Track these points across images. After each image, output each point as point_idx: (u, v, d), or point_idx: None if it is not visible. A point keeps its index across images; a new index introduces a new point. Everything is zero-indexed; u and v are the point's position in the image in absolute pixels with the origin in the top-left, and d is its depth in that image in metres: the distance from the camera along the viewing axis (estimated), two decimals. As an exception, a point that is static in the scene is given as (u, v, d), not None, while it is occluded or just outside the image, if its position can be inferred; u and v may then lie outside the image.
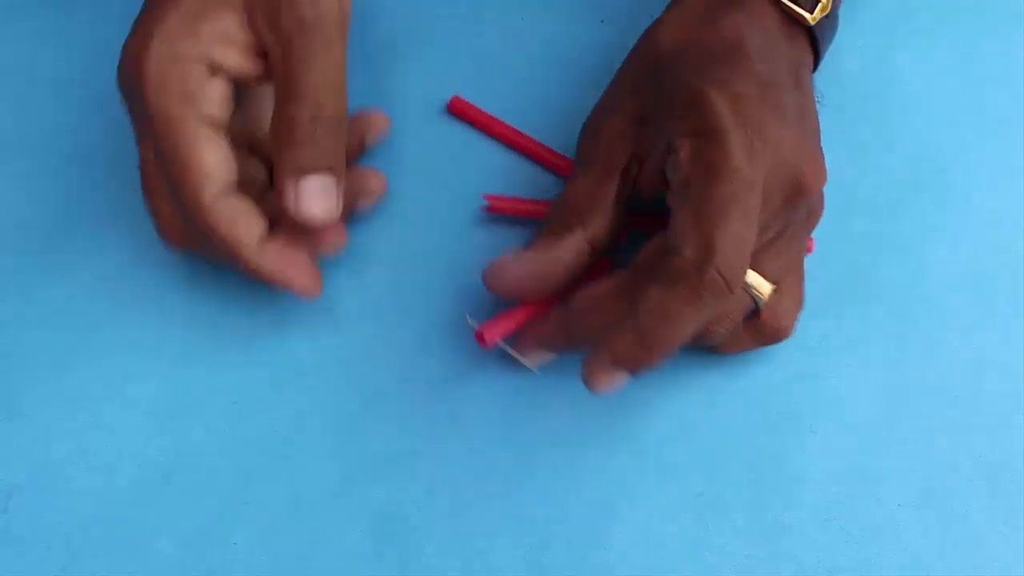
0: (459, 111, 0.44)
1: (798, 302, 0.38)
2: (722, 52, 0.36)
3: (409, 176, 0.43)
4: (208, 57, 0.35)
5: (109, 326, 0.40)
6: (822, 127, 0.40)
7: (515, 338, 0.38)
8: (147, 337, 0.40)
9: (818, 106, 0.38)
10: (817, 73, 0.42)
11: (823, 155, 0.37)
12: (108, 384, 0.39)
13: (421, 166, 0.43)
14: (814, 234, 0.42)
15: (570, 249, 0.36)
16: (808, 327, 0.41)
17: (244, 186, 0.37)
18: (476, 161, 0.43)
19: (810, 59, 0.39)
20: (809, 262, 0.42)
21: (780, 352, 0.41)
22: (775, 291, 0.37)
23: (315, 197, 0.35)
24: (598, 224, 0.37)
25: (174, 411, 0.39)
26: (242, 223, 0.36)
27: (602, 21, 0.46)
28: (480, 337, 0.37)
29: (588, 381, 0.34)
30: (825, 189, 0.42)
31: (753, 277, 0.36)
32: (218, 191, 0.35)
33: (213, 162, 0.35)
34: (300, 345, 0.40)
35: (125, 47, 0.35)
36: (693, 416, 0.40)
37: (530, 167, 0.43)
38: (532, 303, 0.38)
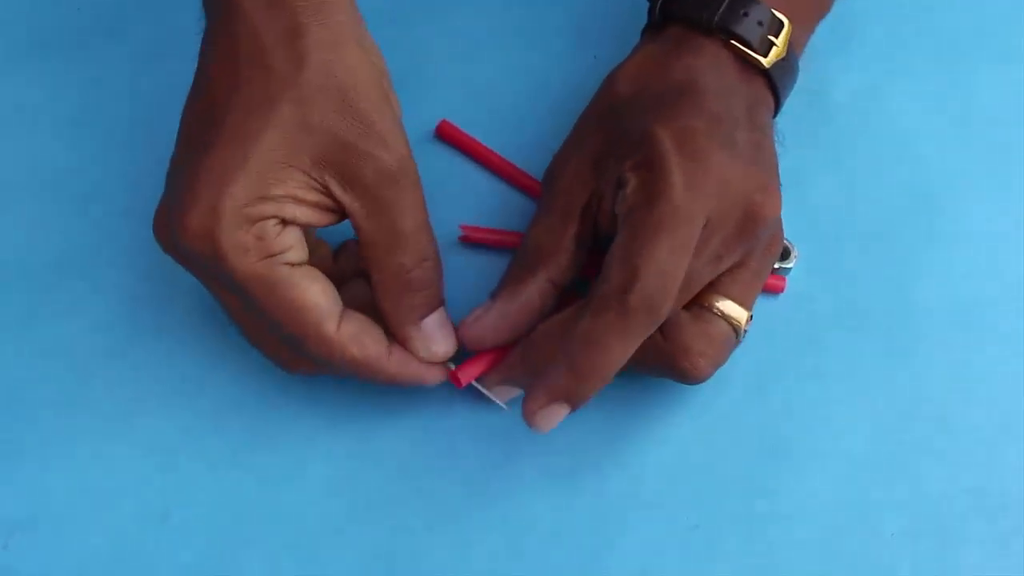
0: (447, 136, 0.44)
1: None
2: (675, 91, 0.37)
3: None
4: (279, 217, 0.34)
5: (109, 365, 0.41)
6: (813, 157, 0.40)
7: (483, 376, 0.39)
8: (146, 376, 0.41)
9: (779, 147, 0.39)
10: (807, 105, 0.42)
11: (779, 186, 0.37)
12: (108, 422, 0.40)
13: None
14: (803, 267, 0.42)
15: (534, 292, 0.37)
16: (799, 357, 0.42)
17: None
18: (462, 186, 0.44)
19: (769, 100, 0.39)
20: (800, 292, 0.42)
21: (772, 383, 0.41)
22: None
23: (437, 334, 0.37)
24: (560, 264, 0.37)
25: (173, 449, 0.40)
26: (368, 341, 0.36)
27: (595, 57, 0.46)
28: (455, 378, 0.38)
29: (527, 417, 0.35)
30: (814, 223, 0.43)
31: (729, 306, 0.37)
32: (336, 321, 0.35)
33: (319, 298, 0.35)
34: (296, 383, 0.40)
35: (182, 213, 0.33)
36: (686, 448, 0.40)
37: (514, 194, 0.44)
38: (504, 348, 0.38)
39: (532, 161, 0.44)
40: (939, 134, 0.46)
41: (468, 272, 0.42)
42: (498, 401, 0.39)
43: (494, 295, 0.38)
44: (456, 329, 0.38)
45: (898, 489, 0.40)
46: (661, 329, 0.36)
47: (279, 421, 0.40)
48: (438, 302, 0.37)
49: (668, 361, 0.36)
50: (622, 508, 0.39)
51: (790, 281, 0.43)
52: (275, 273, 0.34)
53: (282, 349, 0.37)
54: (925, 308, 0.43)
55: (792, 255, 0.43)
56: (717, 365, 0.37)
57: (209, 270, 0.35)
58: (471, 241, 0.42)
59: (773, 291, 0.42)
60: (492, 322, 0.37)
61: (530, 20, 0.47)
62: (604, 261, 0.35)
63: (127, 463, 0.39)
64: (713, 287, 0.37)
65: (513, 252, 0.39)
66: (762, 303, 0.42)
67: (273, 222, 0.34)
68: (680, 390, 0.41)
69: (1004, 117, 0.46)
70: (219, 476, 0.39)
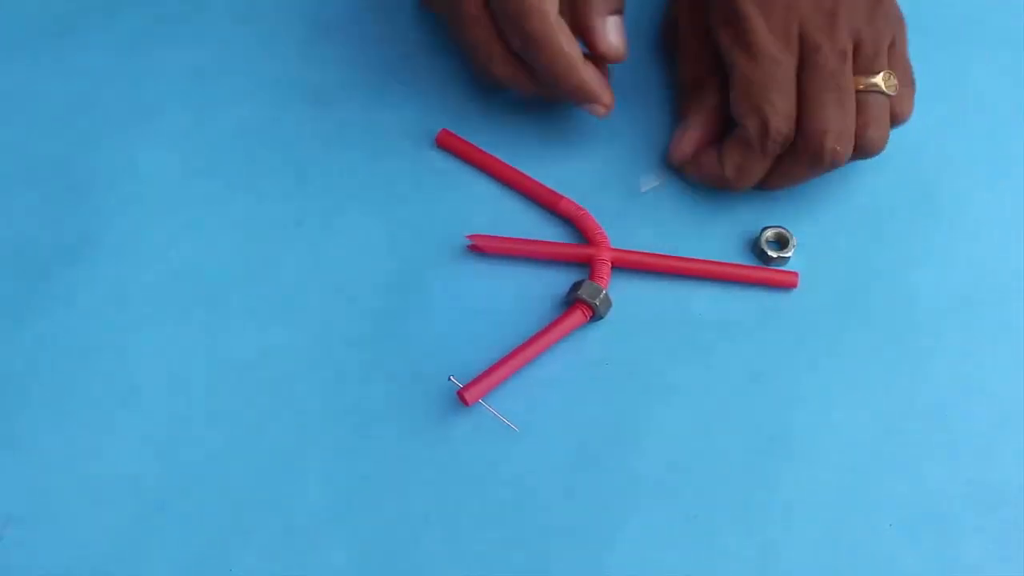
0: (448, 145, 0.44)
1: (842, 123, 0.41)
2: None
3: (398, 208, 0.43)
4: None
5: (104, 355, 0.40)
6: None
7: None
8: (143, 366, 0.40)
9: None
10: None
11: None
12: (104, 413, 0.40)
13: (409, 198, 0.44)
14: (803, 258, 0.42)
15: (711, 97, 0.43)
16: (799, 349, 0.42)
17: None
18: (465, 194, 0.44)
19: None
20: (800, 283, 0.42)
21: (771, 374, 0.41)
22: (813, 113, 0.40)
23: (616, 29, 0.42)
24: (712, 74, 0.43)
25: (170, 439, 0.39)
26: (574, 43, 0.40)
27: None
28: (462, 397, 0.39)
29: (687, 169, 0.44)
30: (813, 215, 0.43)
31: (880, 79, 0.41)
32: (557, 10, 0.39)
33: None
34: (291, 372, 0.40)
35: None
36: (686, 440, 0.40)
37: (517, 199, 0.44)
38: (508, 362, 0.39)
39: (532, 158, 0.44)
40: (938, 123, 0.46)
41: (478, 281, 0.42)
42: (506, 421, 0.39)
43: (682, 116, 0.44)
44: (669, 149, 0.44)
45: (898, 481, 0.40)
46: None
47: (275, 411, 0.40)
48: (622, 8, 0.42)
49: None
50: (621, 499, 0.39)
51: (789, 273, 0.43)
52: None
53: (494, 44, 0.41)
54: (925, 300, 0.43)
55: (791, 244, 0.43)
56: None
57: None
58: (480, 250, 0.42)
59: (787, 286, 0.42)
60: (694, 133, 0.43)
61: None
62: (732, 106, 0.41)
63: (123, 455, 0.39)
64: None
65: (522, 260, 0.43)
66: (762, 295, 0.43)
67: None
68: (679, 378, 0.41)
69: (1003, 108, 0.46)
70: (216, 467, 0.39)
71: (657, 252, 0.42)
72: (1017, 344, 0.42)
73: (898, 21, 0.43)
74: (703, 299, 0.42)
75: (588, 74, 0.41)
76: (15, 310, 0.41)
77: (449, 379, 0.40)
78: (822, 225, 0.44)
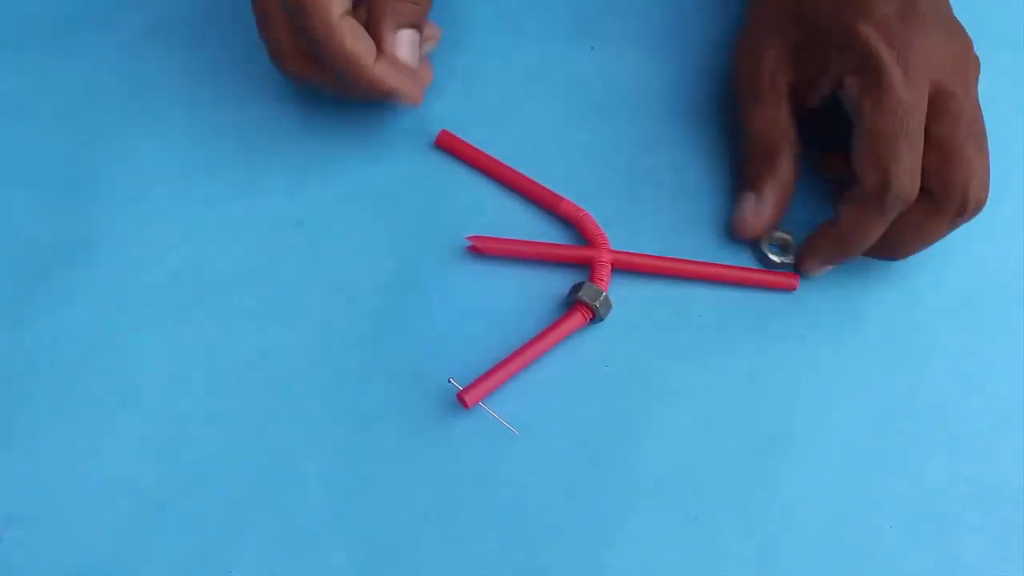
0: (447, 146, 0.44)
1: (985, 170, 0.40)
2: None
3: (398, 208, 0.43)
4: None
5: (105, 355, 0.40)
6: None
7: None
8: (141, 365, 0.40)
9: None
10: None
11: (970, 41, 0.41)
12: (104, 413, 0.40)
13: (409, 198, 0.44)
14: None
15: (788, 170, 0.42)
16: (798, 350, 0.42)
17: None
18: (464, 195, 0.44)
19: None
20: (800, 284, 0.42)
21: (771, 374, 0.41)
22: (956, 164, 0.39)
23: (407, 44, 0.41)
24: (791, 139, 0.42)
25: (169, 439, 0.39)
26: (361, 41, 0.40)
27: (592, 48, 0.46)
28: (462, 400, 0.39)
29: (804, 269, 0.43)
30: (813, 217, 0.43)
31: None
32: (342, 11, 0.39)
33: None
34: (291, 372, 0.40)
35: None
36: (686, 441, 0.40)
37: (517, 201, 0.44)
38: (508, 364, 0.40)
39: (531, 155, 0.44)
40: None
41: (478, 282, 0.42)
42: (506, 424, 0.39)
43: (755, 187, 0.42)
44: (736, 223, 0.43)
45: (897, 481, 0.40)
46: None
47: (275, 411, 0.40)
48: (418, 25, 0.42)
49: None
50: (621, 499, 0.39)
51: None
52: None
53: (290, 40, 0.40)
54: (925, 299, 0.43)
55: (792, 249, 0.43)
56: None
57: None
58: (480, 251, 0.42)
59: (787, 289, 0.43)
60: (768, 209, 0.42)
61: (525, 11, 0.47)
62: (853, 159, 0.39)
63: (123, 454, 0.39)
64: None
65: (522, 261, 0.42)
66: (761, 296, 0.43)
67: None
68: (679, 378, 0.41)
69: (1001, 109, 0.46)
70: (215, 467, 0.39)
71: (657, 254, 0.43)
72: (1017, 344, 0.42)
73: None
74: (703, 300, 0.43)
75: (380, 71, 0.40)
76: (15, 310, 0.41)
77: (449, 381, 0.40)
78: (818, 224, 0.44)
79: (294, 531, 0.38)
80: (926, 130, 0.39)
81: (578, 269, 0.42)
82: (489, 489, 0.39)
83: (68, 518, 0.38)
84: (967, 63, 0.40)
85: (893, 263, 0.43)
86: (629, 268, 0.42)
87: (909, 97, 0.38)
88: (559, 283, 0.42)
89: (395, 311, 0.41)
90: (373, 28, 0.41)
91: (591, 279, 0.41)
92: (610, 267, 0.42)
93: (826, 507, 0.40)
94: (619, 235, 0.43)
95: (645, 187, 0.44)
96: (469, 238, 0.42)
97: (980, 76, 0.41)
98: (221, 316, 0.41)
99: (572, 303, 0.41)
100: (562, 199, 0.43)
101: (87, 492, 0.39)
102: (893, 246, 0.41)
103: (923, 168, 0.39)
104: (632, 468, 0.40)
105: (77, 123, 0.44)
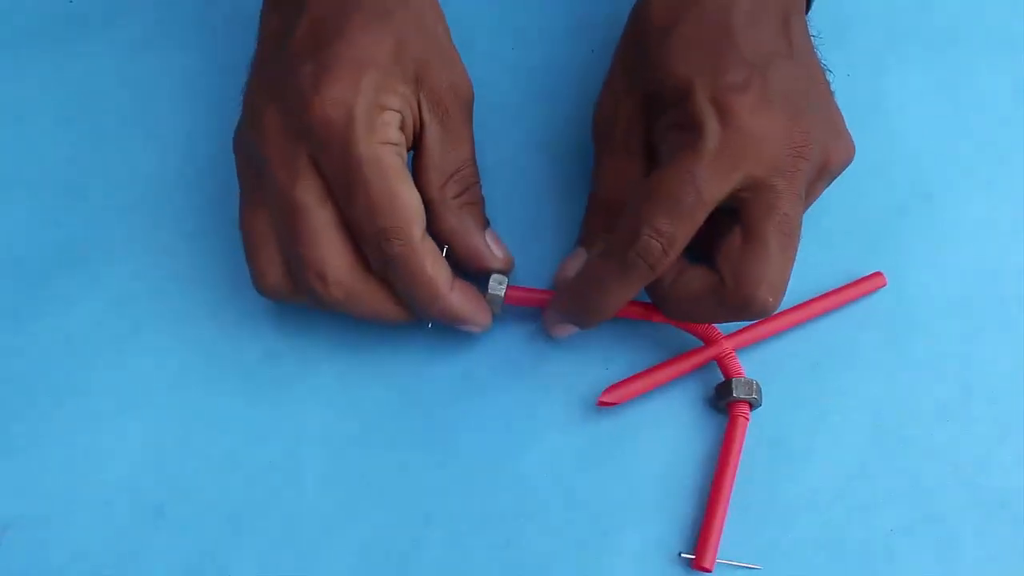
0: (516, 302, 0.41)
1: (782, 274, 0.36)
2: (711, 31, 0.36)
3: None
4: (400, 112, 0.36)
5: (104, 359, 0.40)
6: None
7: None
8: (141, 370, 0.40)
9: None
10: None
11: (831, 124, 0.37)
12: (102, 417, 0.40)
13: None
14: (799, 259, 0.42)
15: None
16: (798, 353, 0.42)
17: None
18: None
19: (801, 4, 0.39)
20: (798, 287, 0.42)
21: (769, 376, 0.41)
22: (752, 259, 0.35)
23: (497, 243, 0.39)
24: None
25: (167, 442, 0.39)
26: (440, 266, 0.37)
27: (592, 51, 0.46)
28: (702, 568, 0.38)
29: (545, 327, 0.40)
30: (811, 210, 0.42)
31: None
32: (423, 228, 0.36)
33: (415, 200, 0.36)
34: (293, 374, 0.40)
35: (321, 84, 0.34)
36: (685, 444, 0.40)
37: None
38: (717, 508, 0.38)
39: (531, 159, 0.44)
40: (936, 128, 0.46)
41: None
42: (747, 565, 0.39)
43: (589, 244, 0.40)
44: (557, 277, 0.40)
45: (898, 484, 0.40)
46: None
47: (273, 416, 0.40)
48: (487, 221, 0.39)
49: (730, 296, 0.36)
50: (621, 503, 0.39)
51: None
52: (392, 160, 0.35)
53: (278, 268, 0.37)
54: (923, 300, 0.43)
55: None
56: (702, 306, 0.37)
57: (325, 144, 0.35)
58: (612, 405, 0.40)
59: (880, 288, 0.42)
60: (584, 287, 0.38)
61: (525, 15, 0.47)
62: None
63: (122, 458, 0.39)
64: None
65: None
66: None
67: (395, 115, 0.36)
68: (681, 385, 0.41)
69: (1001, 109, 0.46)
70: (214, 471, 0.39)
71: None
72: (1017, 345, 0.42)
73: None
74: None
75: (456, 299, 0.37)
76: (15, 313, 0.41)
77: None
78: (820, 229, 0.44)
79: (293, 531, 0.38)
80: (737, 215, 0.35)
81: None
82: (487, 484, 0.39)
83: (67, 521, 0.38)
84: (799, 159, 0.35)
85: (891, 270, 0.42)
86: (749, 344, 0.41)
87: (704, 174, 0.34)
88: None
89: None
90: (459, 241, 0.38)
91: (727, 374, 0.40)
92: (735, 356, 0.40)
93: (826, 510, 0.39)
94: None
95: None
96: (601, 398, 0.39)
97: (853, 160, 0.38)
98: (216, 319, 0.41)
99: (727, 404, 0.40)
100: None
101: (86, 495, 0.39)
102: (680, 312, 0.37)
103: (722, 252, 0.36)
104: (630, 470, 0.40)
105: (79, 127, 0.44)
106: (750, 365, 0.41)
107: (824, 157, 0.36)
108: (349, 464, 0.39)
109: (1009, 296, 0.43)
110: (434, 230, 0.37)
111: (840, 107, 0.39)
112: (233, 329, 0.41)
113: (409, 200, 0.35)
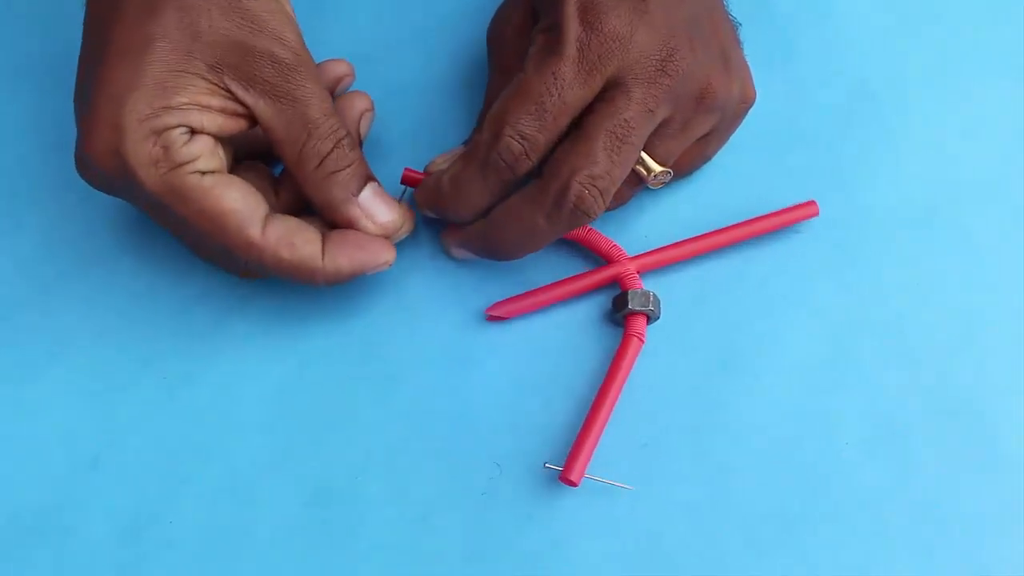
0: (413, 183, 0.40)
1: (606, 173, 0.35)
2: None
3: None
4: (186, 125, 0.34)
5: (31, 307, 0.39)
6: (757, 64, 0.39)
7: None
8: (70, 316, 0.39)
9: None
10: (751, 15, 0.41)
11: (735, 66, 0.38)
12: (31, 366, 0.39)
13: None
14: (749, 172, 0.41)
15: None
16: (747, 269, 0.41)
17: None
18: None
19: None
20: (752, 198, 0.41)
21: (720, 294, 0.40)
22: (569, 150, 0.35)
23: (376, 204, 0.37)
24: None
25: (101, 390, 0.38)
26: (299, 242, 0.35)
27: None
28: (568, 480, 0.36)
29: (444, 248, 0.40)
30: (765, 126, 0.41)
31: (658, 171, 0.38)
32: (260, 225, 0.35)
33: (237, 203, 0.34)
34: (231, 316, 0.39)
35: (87, 135, 0.33)
36: (635, 367, 0.39)
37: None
38: (594, 423, 0.37)
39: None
40: (883, 36, 0.45)
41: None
42: (618, 484, 0.37)
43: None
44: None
45: (853, 398, 0.39)
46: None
47: (208, 360, 0.39)
48: (366, 177, 0.37)
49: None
50: (570, 430, 0.38)
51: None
52: (186, 182, 0.34)
53: (223, 257, 0.37)
54: (877, 212, 0.42)
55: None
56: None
57: (125, 189, 0.35)
58: (500, 319, 0.40)
59: (811, 217, 0.41)
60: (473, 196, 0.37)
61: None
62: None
63: (53, 408, 0.38)
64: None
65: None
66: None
67: (180, 131, 0.33)
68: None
69: (947, 18, 0.45)
70: (149, 418, 0.38)
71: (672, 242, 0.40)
72: (972, 254, 0.41)
73: (733, 110, 0.39)
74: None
75: (331, 265, 0.36)
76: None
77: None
78: (771, 138, 0.43)
79: (233, 475, 0.37)
80: (580, 120, 0.35)
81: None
82: (428, 423, 0.38)
83: (1, 472, 0.37)
84: (662, 73, 0.35)
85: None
86: (654, 268, 0.40)
87: (568, 74, 0.34)
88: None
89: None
90: (330, 215, 0.36)
91: (624, 287, 0.39)
92: (638, 276, 0.39)
93: (780, 427, 0.38)
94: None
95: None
96: (488, 310, 0.39)
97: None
98: (149, 260, 0.40)
99: (624, 316, 0.39)
100: None
101: (17, 447, 0.38)
102: (492, 239, 0.37)
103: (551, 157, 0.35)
104: (579, 395, 0.39)
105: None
106: (697, 285, 0.40)
107: (702, 86, 0.36)
108: (286, 405, 0.38)
109: (964, 203, 0.42)
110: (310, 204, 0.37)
111: (787, 20, 0.38)
112: (165, 269, 0.40)
113: (227, 209, 0.34)
